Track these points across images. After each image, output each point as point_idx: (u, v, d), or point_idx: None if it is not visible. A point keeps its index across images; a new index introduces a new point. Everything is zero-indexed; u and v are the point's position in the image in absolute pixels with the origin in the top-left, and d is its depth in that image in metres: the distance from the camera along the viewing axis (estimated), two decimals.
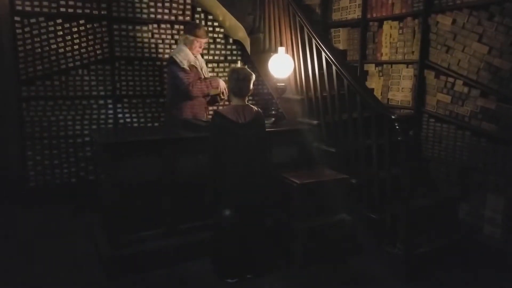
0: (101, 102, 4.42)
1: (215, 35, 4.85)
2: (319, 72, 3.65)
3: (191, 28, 3.79)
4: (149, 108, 4.65)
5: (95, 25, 4.29)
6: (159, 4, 4.53)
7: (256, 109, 3.01)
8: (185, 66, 3.65)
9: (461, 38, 3.55)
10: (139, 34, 4.49)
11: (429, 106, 3.85)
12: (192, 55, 3.77)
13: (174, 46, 4.66)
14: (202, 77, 3.85)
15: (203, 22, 4.78)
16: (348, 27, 4.70)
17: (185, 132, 3.40)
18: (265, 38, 4.28)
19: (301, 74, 3.83)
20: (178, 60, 3.65)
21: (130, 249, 3.00)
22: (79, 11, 4.20)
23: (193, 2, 4.73)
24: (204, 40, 3.83)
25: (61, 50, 4.18)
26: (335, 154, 3.52)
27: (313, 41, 3.63)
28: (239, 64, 3.96)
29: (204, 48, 4.79)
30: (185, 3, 4.65)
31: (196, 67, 3.78)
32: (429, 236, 3.30)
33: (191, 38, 3.74)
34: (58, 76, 4.20)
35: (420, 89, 3.88)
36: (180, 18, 4.65)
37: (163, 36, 4.60)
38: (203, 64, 4.00)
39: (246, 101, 3.02)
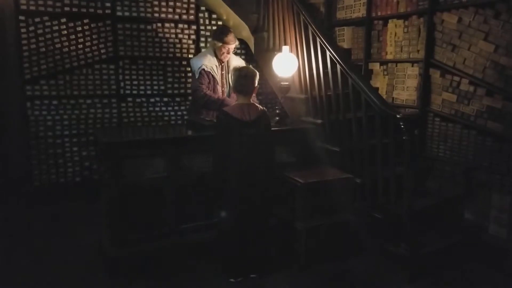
0: (105, 101, 4.43)
1: None
2: (323, 71, 3.63)
3: (219, 34, 3.65)
4: (153, 107, 4.65)
5: (99, 24, 4.30)
6: (163, 3, 4.54)
7: (261, 108, 3.00)
8: (196, 72, 3.57)
9: (467, 37, 3.52)
10: (143, 33, 4.50)
11: (434, 105, 3.82)
12: (214, 61, 3.65)
13: (178, 45, 4.67)
14: (219, 84, 3.69)
15: (207, 21, 4.79)
16: (353, 26, 4.67)
17: (188, 132, 3.40)
18: (269, 37, 4.26)
19: (305, 73, 3.82)
20: (191, 65, 3.63)
21: (133, 248, 3.00)
22: (84, 10, 4.22)
23: (197, 1, 4.73)
24: (232, 46, 3.67)
25: (65, 50, 4.20)
26: (339, 153, 3.51)
27: (318, 39, 3.61)
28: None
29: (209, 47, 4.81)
30: (189, 2, 4.65)
31: (212, 75, 3.63)
32: (434, 236, 3.28)
33: (219, 44, 3.60)
34: (63, 75, 4.22)
35: (425, 88, 3.85)
36: (184, 17, 4.66)
37: (167, 35, 4.61)
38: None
39: (251, 99, 3.00)
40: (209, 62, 3.62)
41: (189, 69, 4.76)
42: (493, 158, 3.40)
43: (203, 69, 3.57)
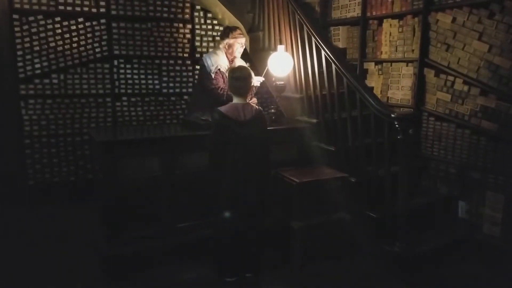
0: (100, 100, 4.41)
1: (214, 33, 4.84)
2: (318, 70, 3.64)
3: (229, 32, 3.66)
4: (148, 107, 4.64)
5: (93, 23, 4.28)
6: (158, 2, 4.52)
7: (257, 107, 2.99)
8: (212, 71, 3.55)
9: (461, 36, 3.54)
10: (138, 32, 4.48)
11: (429, 104, 3.84)
12: (226, 61, 3.65)
13: (173, 44, 4.66)
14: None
15: (202, 20, 4.78)
16: (348, 25, 4.69)
17: (183, 131, 3.40)
18: (264, 36, 4.27)
19: (301, 72, 3.82)
20: (206, 64, 3.59)
21: (128, 248, 2.99)
22: (78, 9, 4.20)
23: (192, 0, 4.73)
24: (244, 40, 3.73)
25: (60, 48, 4.18)
26: (335, 152, 3.51)
27: (313, 39, 3.62)
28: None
29: (204, 46, 4.81)
30: (184, 1, 4.65)
31: (226, 75, 3.57)
32: (429, 235, 3.29)
33: (232, 41, 3.61)
34: (57, 74, 4.20)
35: (419, 87, 3.87)
36: (179, 16, 4.65)
37: (162, 34, 4.59)
38: None
39: (247, 100, 2.99)
40: (223, 63, 3.63)
41: (184, 68, 4.76)
42: (487, 157, 3.42)
43: (219, 69, 3.57)
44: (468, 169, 3.55)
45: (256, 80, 3.44)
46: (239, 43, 3.66)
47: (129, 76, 4.51)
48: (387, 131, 3.09)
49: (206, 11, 4.81)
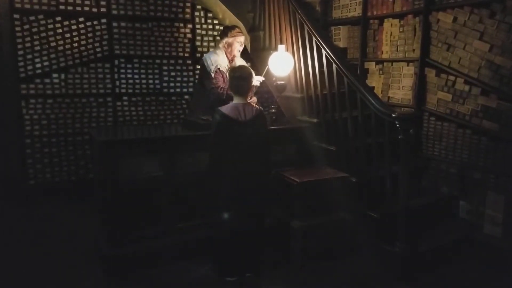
0: (101, 100, 4.41)
1: (215, 33, 4.84)
2: (319, 70, 3.64)
3: (228, 31, 3.68)
4: (148, 106, 4.64)
5: (94, 22, 4.28)
6: (159, 2, 4.53)
7: (257, 107, 2.98)
8: (212, 71, 3.55)
9: (462, 36, 3.53)
10: (138, 32, 4.48)
11: (430, 104, 3.83)
12: (225, 60, 3.66)
13: (173, 44, 4.66)
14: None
15: (203, 20, 4.79)
16: (349, 25, 4.68)
17: (184, 131, 3.40)
18: (265, 36, 4.26)
19: (301, 72, 3.81)
20: (206, 64, 3.59)
21: (129, 248, 2.99)
22: (79, 8, 4.20)
23: None
24: (243, 38, 3.74)
25: (61, 48, 4.18)
26: (335, 152, 3.51)
27: (313, 38, 3.61)
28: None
29: (205, 46, 4.80)
30: (184, 1, 4.65)
31: (226, 74, 3.59)
32: (429, 235, 3.29)
33: (231, 40, 3.63)
34: (58, 74, 4.20)
35: (420, 87, 3.86)
36: (180, 15, 4.65)
37: (163, 34, 4.60)
38: None
39: (247, 99, 2.99)
40: (223, 62, 3.63)
41: (185, 67, 4.76)
42: (488, 157, 3.41)
43: (219, 69, 3.57)
44: (469, 169, 3.54)
45: (256, 80, 3.44)
46: (238, 42, 3.67)
47: (129, 75, 4.52)
48: (388, 131, 3.09)
49: (206, 10, 4.81)
